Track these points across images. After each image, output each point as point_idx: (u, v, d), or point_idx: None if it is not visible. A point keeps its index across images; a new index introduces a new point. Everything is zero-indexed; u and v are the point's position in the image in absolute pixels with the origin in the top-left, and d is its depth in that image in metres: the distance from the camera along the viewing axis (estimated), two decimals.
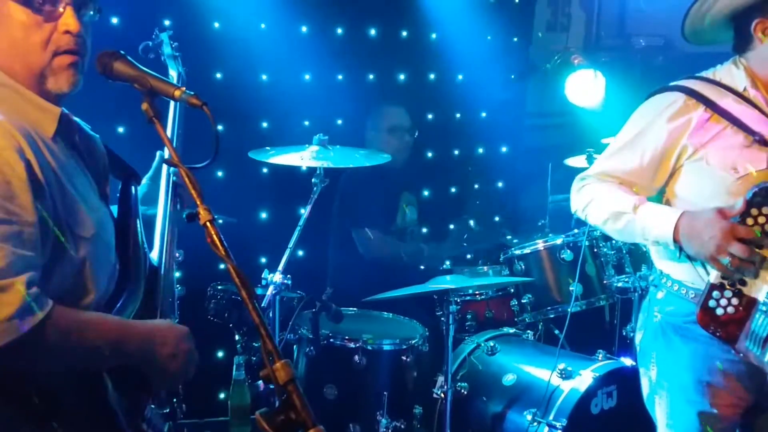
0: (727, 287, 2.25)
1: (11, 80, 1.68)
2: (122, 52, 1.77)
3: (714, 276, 2.27)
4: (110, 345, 1.67)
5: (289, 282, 3.28)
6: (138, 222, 1.90)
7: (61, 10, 1.69)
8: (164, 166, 2.24)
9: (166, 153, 2.23)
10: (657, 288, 2.52)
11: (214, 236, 1.58)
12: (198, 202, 1.60)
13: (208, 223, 1.58)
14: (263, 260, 4.36)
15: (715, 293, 2.25)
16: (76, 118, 1.83)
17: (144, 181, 2.23)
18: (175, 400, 1.99)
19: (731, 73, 2.42)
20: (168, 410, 1.97)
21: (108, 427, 1.69)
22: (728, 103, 2.35)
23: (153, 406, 1.86)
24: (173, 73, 2.57)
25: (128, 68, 1.74)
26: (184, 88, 1.70)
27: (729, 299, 2.24)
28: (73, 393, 1.66)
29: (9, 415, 1.59)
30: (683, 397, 2.43)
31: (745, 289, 2.23)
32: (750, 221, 2.20)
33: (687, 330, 2.40)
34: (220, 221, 3.47)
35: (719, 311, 2.24)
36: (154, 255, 2.07)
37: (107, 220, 1.79)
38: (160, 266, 2.04)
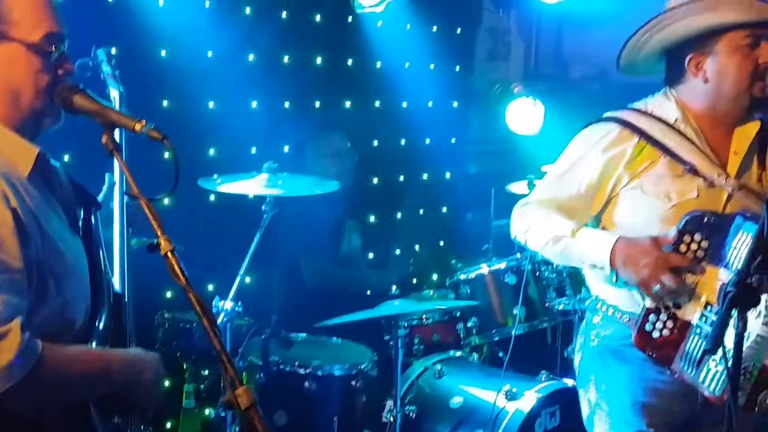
0: (663, 311, 2.33)
1: None
2: (81, 85, 1.80)
3: (649, 300, 2.34)
4: (97, 376, 1.73)
5: (240, 309, 3.30)
6: (102, 250, 1.93)
7: (61, 53, 1.75)
8: (116, 190, 2.25)
9: (116, 178, 2.26)
10: (593, 313, 2.60)
11: (175, 266, 1.62)
12: (159, 233, 1.64)
13: (169, 253, 1.62)
14: (210, 287, 4.35)
15: (651, 317, 2.33)
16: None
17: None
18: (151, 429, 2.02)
19: (662, 105, 2.52)
20: None
21: None
22: (660, 133, 2.44)
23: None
24: (114, 93, 2.45)
25: (88, 102, 1.76)
26: (144, 122, 1.72)
27: (664, 322, 2.32)
28: (59, 422, 1.69)
29: None
30: (621, 417, 2.51)
31: (679, 312, 2.31)
32: (683, 247, 2.30)
33: (623, 353, 2.48)
34: None
35: (655, 334, 2.32)
36: (115, 281, 2.08)
37: (81, 254, 1.82)
38: (123, 293, 2.06)
